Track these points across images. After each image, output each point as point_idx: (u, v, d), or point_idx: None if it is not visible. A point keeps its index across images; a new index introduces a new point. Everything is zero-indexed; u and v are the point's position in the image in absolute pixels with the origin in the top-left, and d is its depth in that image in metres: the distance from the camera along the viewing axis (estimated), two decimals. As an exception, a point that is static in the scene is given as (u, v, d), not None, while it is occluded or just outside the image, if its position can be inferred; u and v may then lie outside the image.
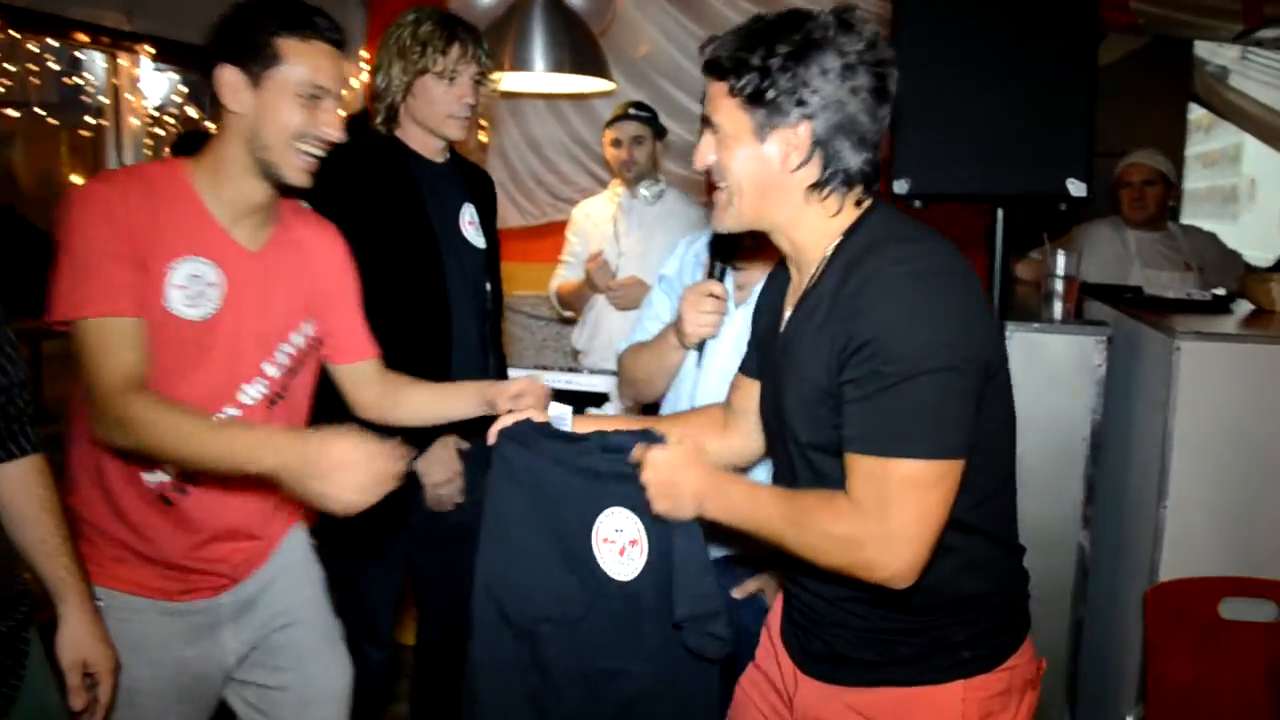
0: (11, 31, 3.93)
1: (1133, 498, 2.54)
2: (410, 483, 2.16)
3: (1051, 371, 2.64)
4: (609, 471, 1.56)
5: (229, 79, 1.69)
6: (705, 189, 1.81)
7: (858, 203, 1.47)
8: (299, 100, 1.71)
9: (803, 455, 1.46)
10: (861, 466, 1.32)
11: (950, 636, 1.45)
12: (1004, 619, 1.50)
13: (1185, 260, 3.80)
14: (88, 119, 4.46)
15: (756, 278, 1.97)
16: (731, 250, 2.00)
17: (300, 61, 1.70)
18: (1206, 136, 8.69)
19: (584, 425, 1.67)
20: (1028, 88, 2.19)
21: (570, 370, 3.46)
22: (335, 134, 1.74)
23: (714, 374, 2.02)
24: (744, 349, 1.86)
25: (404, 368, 2.07)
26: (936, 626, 1.45)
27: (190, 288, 1.71)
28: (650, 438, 1.53)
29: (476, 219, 2.52)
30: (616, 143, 3.70)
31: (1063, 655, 2.61)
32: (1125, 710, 2.41)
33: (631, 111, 3.67)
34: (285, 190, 1.81)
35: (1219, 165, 9.03)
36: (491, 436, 1.67)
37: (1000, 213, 2.35)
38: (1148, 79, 4.69)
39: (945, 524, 1.33)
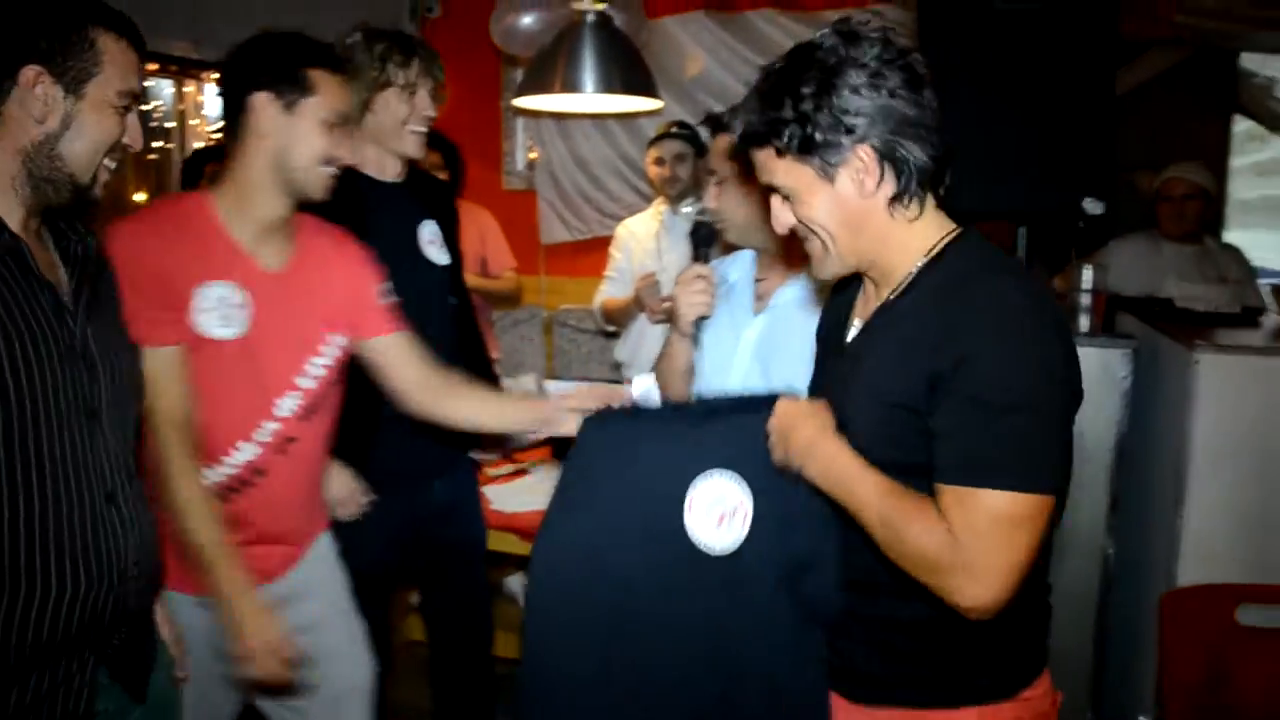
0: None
1: (1154, 506, 2.59)
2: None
3: (1078, 384, 2.70)
4: (710, 437, 1.55)
5: (264, 106, 1.85)
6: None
7: (937, 206, 1.47)
8: (326, 127, 1.89)
9: None
10: (954, 495, 1.31)
11: (969, 662, 1.46)
12: (1023, 651, 1.51)
13: (1221, 275, 3.82)
14: (155, 143, 4.67)
15: (775, 285, 2.06)
16: (711, 239, 2.09)
17: (329, 92, 1.89)
18: (1262, 146, 8.58)
19: None
20: (1048, 107, 2.25)
21: (613, 383, 3.56)
22: (347, 156, 1.94)
23: (710, 361, 2.08)
24: (764, 356, 1.98)
25: (369, 396, 2.15)
26: (957, 651, 1.45)
27: (218, 310, 1.85)
28: (766, 399, 1.53)
29: (439, 235, 2.53)
30: (659, 161, 3.83)
31: (1088, 661, 2.67)
32: (1141, 715, 2.46)
33: (674, 130, 3.79)
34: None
35: (1272, 175, 8.90)
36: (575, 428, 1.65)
37: (1023, 231, 2.42)
38: (1193, 91, 4.70)
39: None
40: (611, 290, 4.04)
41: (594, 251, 5.30)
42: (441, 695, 2.82)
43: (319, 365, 1.99)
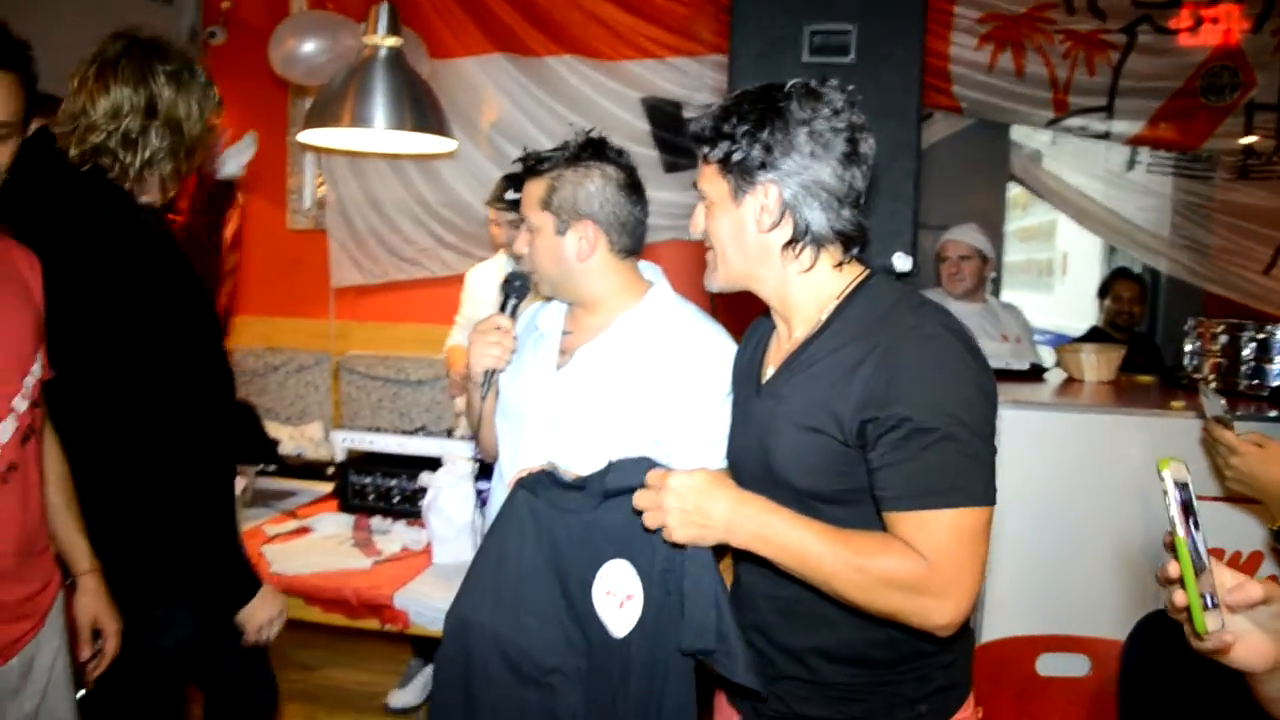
0: None
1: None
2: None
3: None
4: (612, 522, 1.58)
5: None
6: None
7: (839, 264, 1.53)
8: None
9: (794, 499, 1.46)
10: (913, 520, 1.36)
11: (906, 693, 1.50)
12: (954, 675, 1.55)
13: (1003, 332, 4.00)
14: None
15: (580, 341, 1.97)
16: (524, 291, 2.05)
17: None
18: (1025, 213, 9.26)
19: None
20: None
21: (403, 433, 3.38)
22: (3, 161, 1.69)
23: (509, 412, 2.02)
24: (561, 413, 1.90)
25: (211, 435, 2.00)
26: (893, 682, 1.50)
27: None
28: (650, 464, 1.53)
29: None
30: (496, 223, 3.71)
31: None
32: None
33: (508, 197, 3.65)
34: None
35: (1036, 240, 9.63)
36: (510, 485, 1.72)
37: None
38: (971, 158, 4.96)
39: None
40: (456, 335, 3.91)
41: (383, 294, 5.10)
42: None
43: (31, 385, 1.79)
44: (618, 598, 1.59)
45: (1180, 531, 1.08)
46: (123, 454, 1.93)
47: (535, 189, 1.94)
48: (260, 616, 2.13)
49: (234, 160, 2.41)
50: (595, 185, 1.91)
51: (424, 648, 3.69)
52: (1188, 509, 1.09)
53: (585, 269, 1.94)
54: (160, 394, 1.91)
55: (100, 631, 1.94)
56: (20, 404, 1.76)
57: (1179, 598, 1.09)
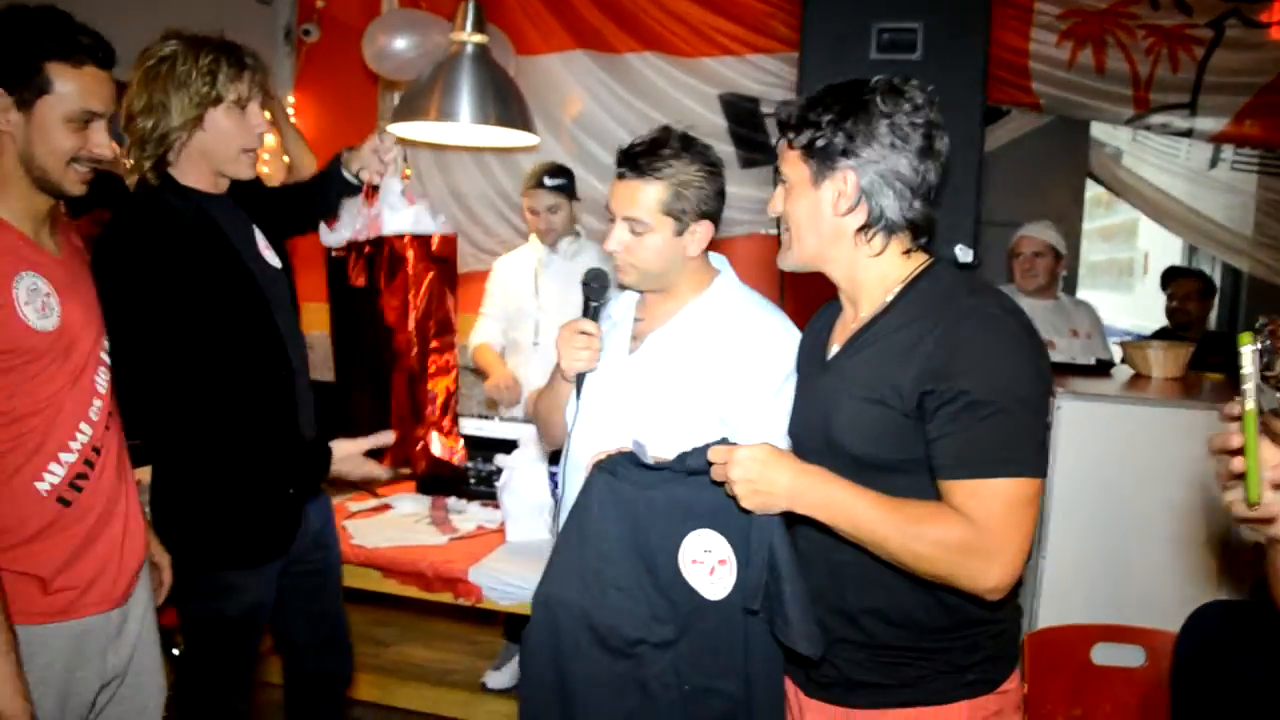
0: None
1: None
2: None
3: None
4: (694, 496, 1.68)
5: None
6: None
7: (907, 251, 1.63)
8: (71, 126, 1.76)
9: (853, 468, 1.55)
10: (966, 489, 1.45)
11: (956, 660, 1.58)
12: (1002, 645, 1.62)
13: (1073, 328, 3.98)
14: None
15: (651, 327, 2.04)
16: (604, 290, 2.06)
17: (71, 88, 1.75)
18: (1107, 212, 9.10)
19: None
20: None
21: (482, 417, 3.50)
22: (107, 153, 1.81)
23: (592, 411, 2.05)
24: (633, 397, 1.96)
25: (254, 413, 2.14)
26: (944, 649, 1.58)
27: (34, 301, 1.75)
28: (724, 444, 1.63)
29: (266, 239, 2.31)
30: (533, 210, 3.79)
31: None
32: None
33: (546, 182, 3.72)
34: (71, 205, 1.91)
35: (1117, 239, 9.47)
36: (588, 468, 1.81)
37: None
38: (1049, 155, 4.92)
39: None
40: (487, 328, 3.98)
41: (463, 284, 5.21)
42: None
43: (108, 344, 1.95)
44: (707, 564, 1.69)
45: (1251, 405, 1.13)
46: (176, 427, 2.10)
47: (652, 192, 1.94)
48: (344, 468, 2.27)
49: (394, 214, 2.27)
50: (711, 186, 1.97)
51: (515, 631, 3.73)
52: (1259, 385, 1.14)
53: (685, 262, 2.00)
54: (189, 374, 2.06)
55: (157, 566, 2.11)
56: (107, 358, 1.92)
57: (1237, 464, 1.16)
